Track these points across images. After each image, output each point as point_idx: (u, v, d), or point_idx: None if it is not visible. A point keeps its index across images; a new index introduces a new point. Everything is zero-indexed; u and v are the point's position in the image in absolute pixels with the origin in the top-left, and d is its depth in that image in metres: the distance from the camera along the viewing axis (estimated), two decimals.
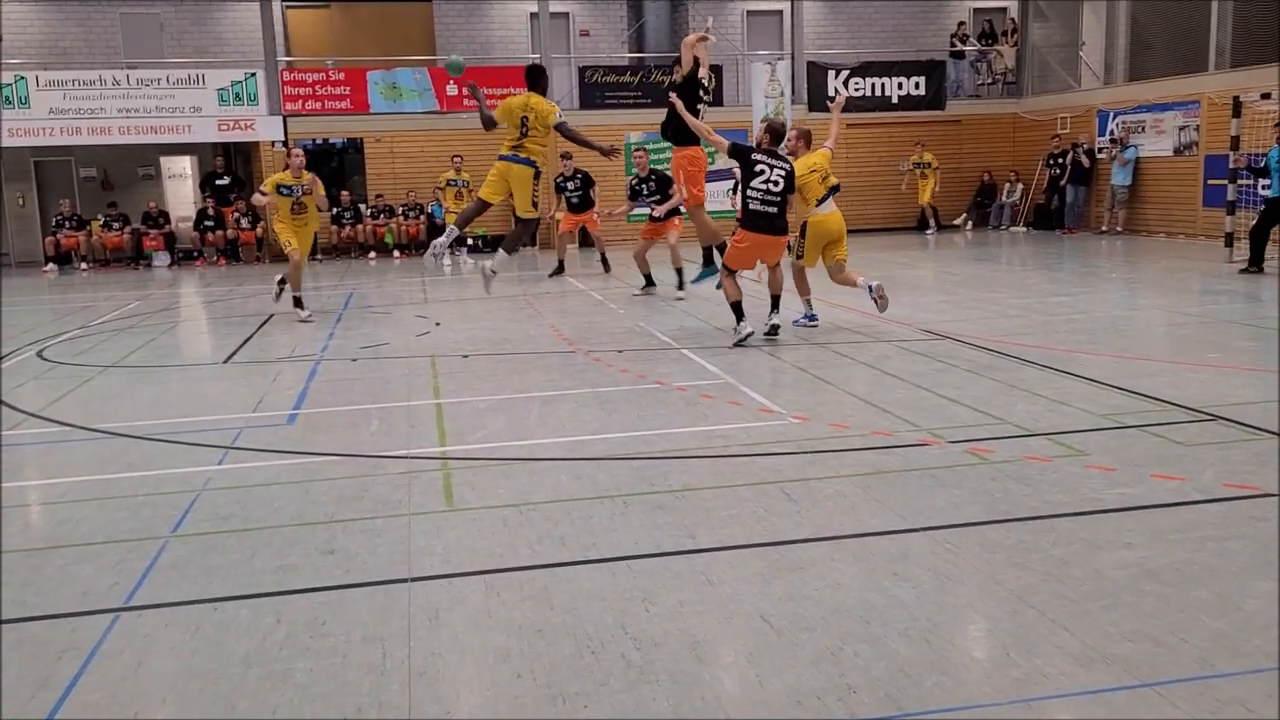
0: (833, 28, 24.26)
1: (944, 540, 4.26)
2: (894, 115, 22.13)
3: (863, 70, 22.07)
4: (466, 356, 8.80)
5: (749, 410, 6.59)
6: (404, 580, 4.00)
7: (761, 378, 7.66)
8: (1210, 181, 17.53)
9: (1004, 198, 22.38)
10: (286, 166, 11.50)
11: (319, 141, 20.81)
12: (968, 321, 9.78)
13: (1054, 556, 4.03)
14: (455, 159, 18.75)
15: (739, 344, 8.82)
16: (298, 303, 11.54)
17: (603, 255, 15.48)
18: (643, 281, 13.11)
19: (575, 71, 21.70)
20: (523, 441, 6.00)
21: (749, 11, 24.17)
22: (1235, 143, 14.43)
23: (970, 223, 22.39)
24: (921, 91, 22.22)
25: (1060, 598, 3.65)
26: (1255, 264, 12.73)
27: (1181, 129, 18.55)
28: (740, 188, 9.04)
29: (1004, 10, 24.37)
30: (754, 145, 9.08)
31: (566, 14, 23.19)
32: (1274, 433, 5.62)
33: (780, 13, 23.71)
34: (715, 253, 11.17)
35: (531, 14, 22.40)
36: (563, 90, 21.59)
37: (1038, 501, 4.66)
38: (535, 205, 9.32)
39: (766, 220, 8.81)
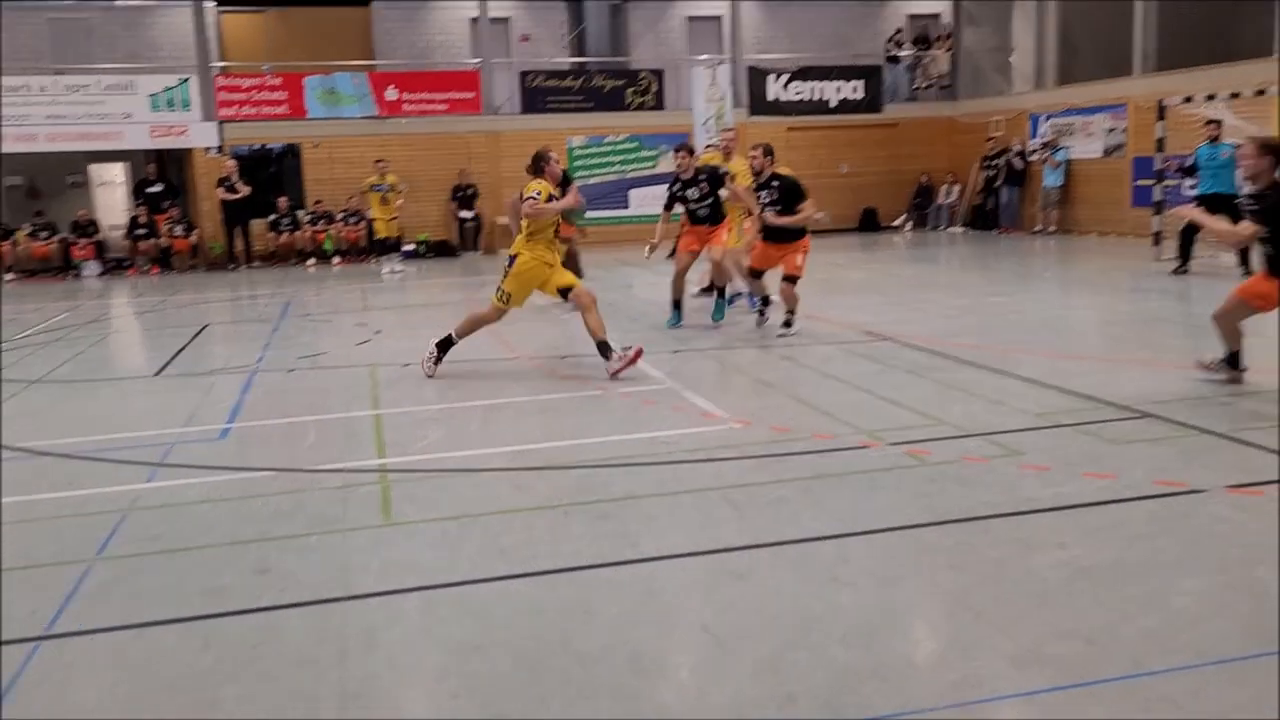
0: (772, 32, 24.42)
1: (883, 544, 4.28)
2: (833, 119, 22.31)
3: (802, 74, 22.23)
4: (407, 365, 8.69)
5: (692, 415, 6.59)
6: (339, 599, 3.93)
7: (705, 382, 7.66)
8: (1138, 182, 17.90)
9: (942, 199, 22.69)
10: (541, 172, 8.06)
11: (256, 147, 20.47)
12: (908, 322, 9.88)
13: (990, 557, 4.07)
14: (379, 163, 17.91)
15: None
16: (605, 349, 7.83)
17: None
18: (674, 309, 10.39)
19: (516, 77, 21.60)
20: (464, 452, 5.93)
21: (690, 16, 24.24)
22: (1160, 145, 14.76)
23: (910, 224, 22.67)
24: (860, 95, 22.44)
25: (996, 599, 3.69)
26: (1184, 262, 13.00)
27: (1110, 131, 18.95)
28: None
29: (937, 16, 24.72)
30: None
31: (506, 19, 23.08)
32: (1201, 429, 5.74)
33: (720, 17, 23.81)
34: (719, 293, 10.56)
35: (471, 19, 22.26)
36: (503, 95, 21.49)
37: (974, 502, 4.71)
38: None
39: None
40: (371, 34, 22.70)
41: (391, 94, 20.22)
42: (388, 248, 18.10)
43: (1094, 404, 6.41)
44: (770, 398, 7.05)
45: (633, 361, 7.72)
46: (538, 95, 21.13)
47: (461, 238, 20.66)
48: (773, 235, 9.47)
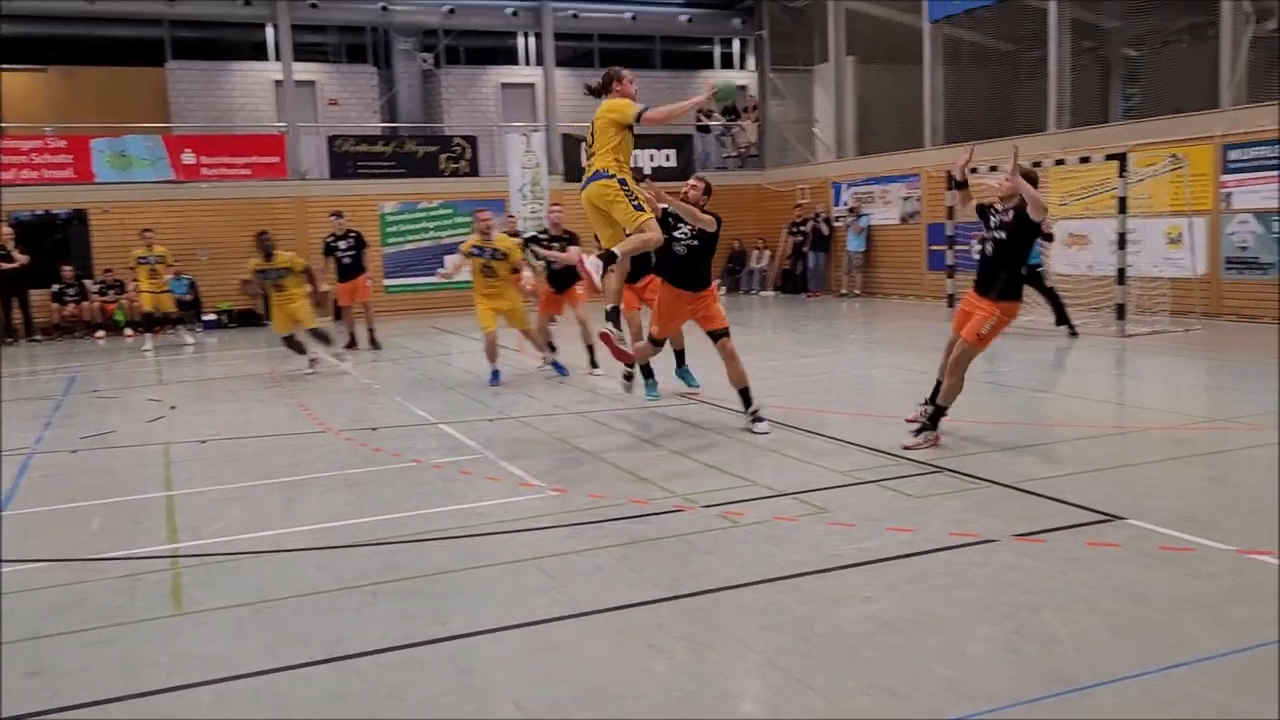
0: (585, 100, 24.82)
1: (698, 607, 4.29)
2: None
3: None
4: (204, 442, 8.24)
5: (508, 485, 6.49)
6: (122, 698, 3.62)
7: (521, 450, 7.57)
8: (933, 247, 19.05)
9: (753, 264, 23.50)
10: (610, 90, 7.44)
11: (39, 213, 19.22)
12: (721, 385, 10.06)
13: (800, 615, 4.14)
14: (146, 233, 16.67)
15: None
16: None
17: (370, 330, 14.49)
18: (550, 358, 11.15)
19: (324, 141, 21.19)
20: (264, 532, 5.63)
21: (503, 83, 24.47)
22: (951, 213, 15.78)
23: (724, 288, 23.34)
24: (673, 163, 23.10)
25: (806, 657, 3.74)
26: None
27: (906, 199, 20.15)
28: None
29: (744, 88, 25.81)
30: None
31: (313, 82, 22.67)
32: (991, 481, 6.06)
33: (533, 84, 24.15)
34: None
35: (276, 81, 21.76)
36: (310, 160, 21.03)
37: (785, 561, 4.79)
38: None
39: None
40: (167, 95, 21.84)
41: (189, 157, 19.49)
42: (161, 321, 17.16)
43: (895, 460, 6.68)
44: (588, 464, 7.03)
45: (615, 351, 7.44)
46: (347, 160, 20.78)
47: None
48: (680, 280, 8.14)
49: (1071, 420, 8.03)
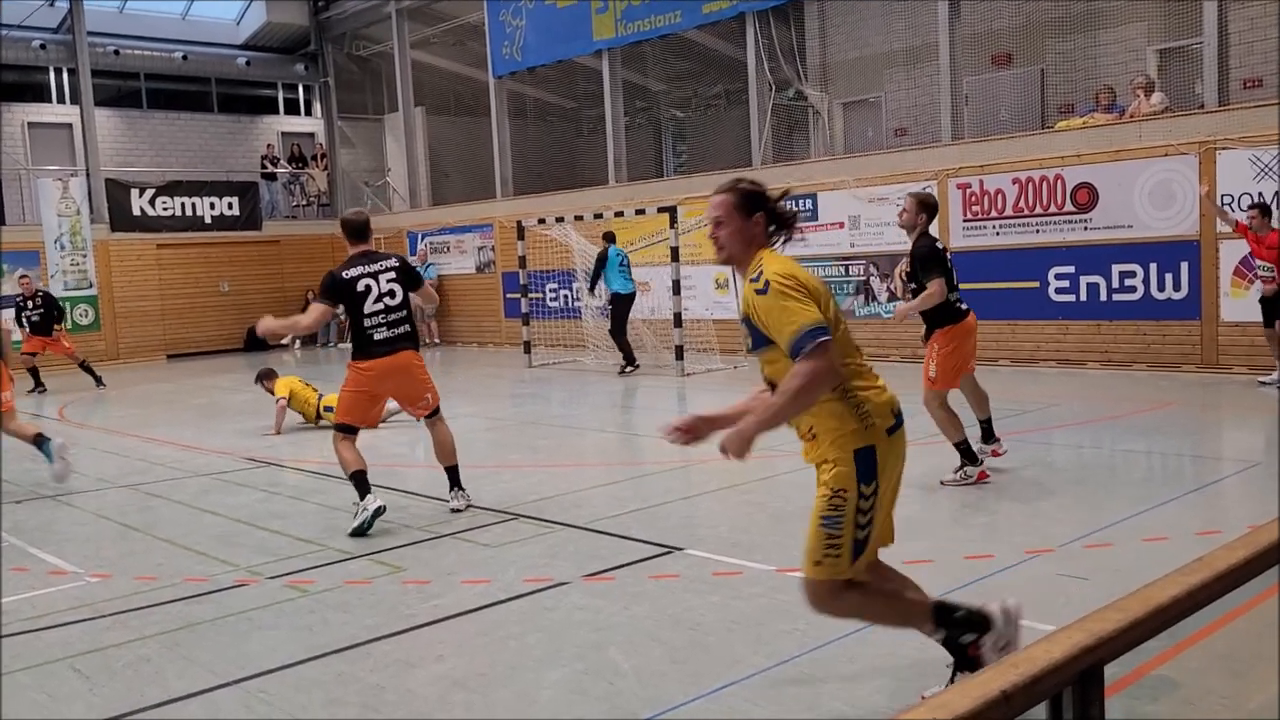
0: (133, 144, 22.91)
1: (258, 690, 3.98)
2: (209, 235, 21.43)
3: (170, 189, 21.09)
4: None
5: (37, 575, 5.69)
6: None
7: (55, 534, 6.69)
8: (508, 295, 19.54)
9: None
10: None
11: None
12: (291, 445, 9.60)
13: (370, 684, 3.97)
14: None
15: None
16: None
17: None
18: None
19: None
20: None
21: (31, 122, 21.84)
22: (523, 261, 16.26)
23: (299, 342, 22.37)
24: (236, 212, 21.85)
25: None
26: (629, 361, 14.18)
27: (480, 249, 20.52)
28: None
29: (312, 135, 25.08)
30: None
31: None
32: (562, 524, 6.23)
33: (70, 125, 21.77)
34: None
35: None
36: None
37: (356, 628, 4.59)
38: None
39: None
40: None
41: None
42: None
43: (471, 510, 6.67)
44: (136, 543, 6.35)
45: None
46: None
47: None
48: None
49: (638, 458, 8.50)
